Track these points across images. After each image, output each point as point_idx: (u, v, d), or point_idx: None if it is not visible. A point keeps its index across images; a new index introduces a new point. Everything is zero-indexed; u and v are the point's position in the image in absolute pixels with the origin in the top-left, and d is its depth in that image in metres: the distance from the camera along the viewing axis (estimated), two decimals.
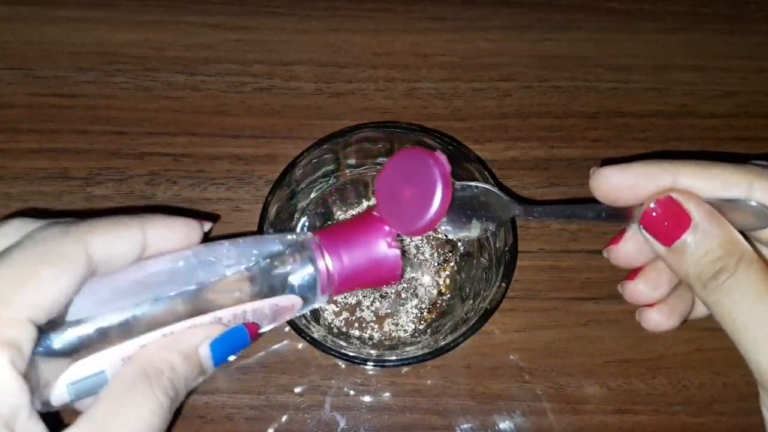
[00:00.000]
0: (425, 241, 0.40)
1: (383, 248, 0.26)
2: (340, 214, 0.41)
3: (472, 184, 0.29)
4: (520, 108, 0.46)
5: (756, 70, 0.48)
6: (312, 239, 0.26)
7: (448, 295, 0.39)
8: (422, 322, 0.39)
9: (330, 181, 0.39)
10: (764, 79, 0.48)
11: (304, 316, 0.36)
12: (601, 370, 0.39)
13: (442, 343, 0.33)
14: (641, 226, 0.22)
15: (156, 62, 0.47)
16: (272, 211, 0.35)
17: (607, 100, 0.46)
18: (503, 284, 0.33)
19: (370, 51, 0.48)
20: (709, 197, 0.21)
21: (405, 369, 0.39)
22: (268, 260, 0.25)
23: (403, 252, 0.40)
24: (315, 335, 0.32)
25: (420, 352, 0.33)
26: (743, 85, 0.47)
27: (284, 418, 0.38)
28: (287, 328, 0.32)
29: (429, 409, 0.39)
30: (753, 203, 0.21)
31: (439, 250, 0.40)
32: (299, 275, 0.25)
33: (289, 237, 0.26)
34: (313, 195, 0.39)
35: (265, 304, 0.25)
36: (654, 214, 0.21)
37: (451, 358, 0.39)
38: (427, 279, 0.39)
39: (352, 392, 0.39)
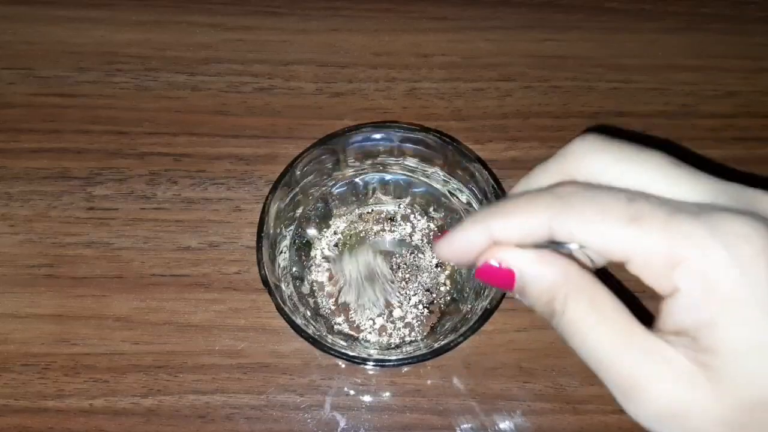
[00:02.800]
0: (425, 241, 0.40)
1: None
2: (340, 214, 0.41)
3: None
4: (520, 108, 0.46)
5: (756, 70, 0.48)
6: None
7: (448, 296, 0.39)
8: (422, 322, 0.39)
9: (330, 181, 0.39)
10: (764, 79, 0.48)
11: (303, 315, 0.36)
12: None
13: (442, 343, 0.33)
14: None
15: (156, 62, 0.47)
16: (272, 211, 0.35)
17: (607, 100, 0.46)
18: None
19: (371, 51, 0.48)
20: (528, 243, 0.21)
21: (405, 369, 0.39)
22: None
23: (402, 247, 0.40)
24: (315, 335, 0.32)
25: (420, 352, 0.33)
26: (743, 85, 0.47)
27: (284, 418, 0.38)
28: (287, 328, 0.32)
29: (429, 409, 0.39)
30: (568, 248, 0.20)
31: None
32: None
33: None
34: (313, 195, 0.39)
35: None
36: (481, 279, 0.22)
37: (451, 358, 0.39)
38: (426, 279, 0.39)
39: (352, 392, 0.39)
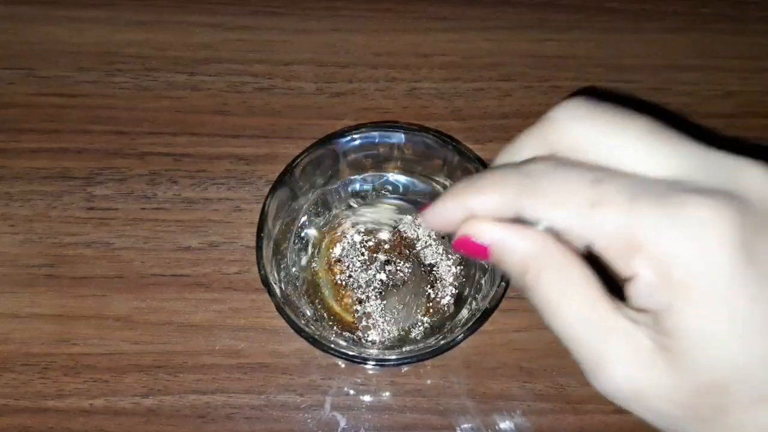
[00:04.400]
0: (425, 242, 0.40)
1: None
2: (340, 215, 0.41)
3: None
4: (520, 108, 0.46)
5: (756, 70, 0.48)
6: None
7: (448, 296, 0.39)
8: (422, 322, 0.39)
9: (330, 181, 0.39)
10: (764, 79, 0.48)
11: (303, 315, 0.36)
12: None
13: (442, 343, 0.33)
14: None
15: (156, 62, 0.47)
16: (272, 210, 0.35)
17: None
18: (503, 284, 0.33)
19: (371, 51, 0.48)
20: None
21: (405, 369, 0.39)
22: None
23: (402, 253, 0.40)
24: (315, 335, 0.32)
25: (420, 352, 0.33)
26: (743, 85, 0.47)
27: (284, 418, 0.38)
28: (287, 328, 0.32)
29: (429, 409, 0.39)
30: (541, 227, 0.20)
31: (439, 250, 0.40)
32: None
33: None
34: (313, 195, 0.39)
35: None
36: (458, 250, 0.22)
37: (451, 358, 0.39)
38: (426, 279, 0.39)
39: (352, 392, 0.39)
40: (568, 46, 0.48)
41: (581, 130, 0.21)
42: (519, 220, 0.21)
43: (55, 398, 0.38)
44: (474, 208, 0.21)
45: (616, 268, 0.19)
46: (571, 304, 0.20)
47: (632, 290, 0.19)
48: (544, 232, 0.20)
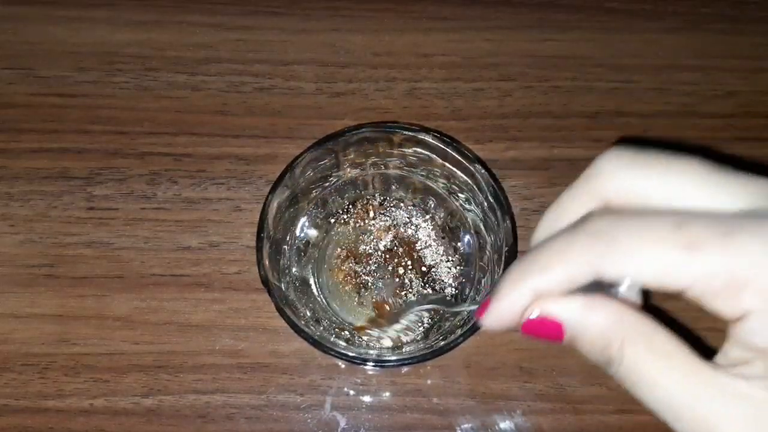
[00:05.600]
0: (425, 242, 0.40)
1: None
2: (340, 214, 0.41)
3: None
4: (520, 108, 0.46)
5: (756, 70, 0.48)
6: None
7: (448, 297, 0.39)
8: (422, 323, 0.39)
9: (330, 181, 0.39)
10: (764, 79, 0.47)
11: (303, 315, 0.36)
12: (601, 371, 0.39)
13: (442, 343, 0.33)
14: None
15: (156, 62, 0.47)
16: (272, 210, 0.35)
17: (607, 100, 0.46)
18: None
19: (371, 51, 0.48)
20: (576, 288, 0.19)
21: (405, 369, 0.39)
22: None
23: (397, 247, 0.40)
24: (315, 335, 0.32)
25: (420, 352, 0.33)
26: (744, 85, 0.47)
27: (284, 418, 0.38)
28: (287, 328, 0.32)
29: (429, 409, 0.39)
30: (617, 290, 0.19)
31: (439, 251, 0.40)
32: None
33: None
34: (313, 195, 0.39)
35: None
36: (528, 334, 0.21)
37: (451, 358, 0.39)
38: (426, 280, 0.39)
39: (352, 392, 0.39)
40: (568, 46, 0.48)
41: (632, 177, 0.19)
42: (593, 286, 0.19)
43: (55, 398, 0.38)
44: (540, 289, 0.19)
45: (717, 309, 0.18)
46: (667, 373, 0.18)
47: (743, 329, 0.18)
48: (620, 301, 0.19)
